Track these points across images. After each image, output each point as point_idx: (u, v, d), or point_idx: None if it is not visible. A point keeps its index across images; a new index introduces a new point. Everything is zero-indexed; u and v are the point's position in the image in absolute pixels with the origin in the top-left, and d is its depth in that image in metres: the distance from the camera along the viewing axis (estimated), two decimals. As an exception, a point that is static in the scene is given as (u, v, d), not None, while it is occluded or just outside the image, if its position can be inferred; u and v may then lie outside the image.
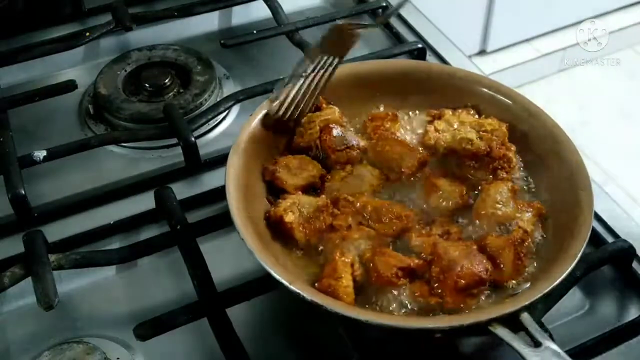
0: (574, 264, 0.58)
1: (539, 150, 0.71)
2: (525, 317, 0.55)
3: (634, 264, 0.71)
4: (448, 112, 0.75)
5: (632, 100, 2.36)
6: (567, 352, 0.63)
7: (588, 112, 2.31)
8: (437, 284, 0.60)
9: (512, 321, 0.55)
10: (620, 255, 0.70)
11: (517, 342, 0.54)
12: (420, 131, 0.76)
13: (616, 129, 2.25)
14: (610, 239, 0.73)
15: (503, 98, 0.75)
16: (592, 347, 0.64)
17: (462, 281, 0.59)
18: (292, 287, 0.57)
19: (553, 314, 0.65)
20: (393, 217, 0.66)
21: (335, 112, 0.75)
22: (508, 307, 0.56)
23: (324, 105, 0.75)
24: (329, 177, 0.71)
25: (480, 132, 0.72)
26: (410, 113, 0.77)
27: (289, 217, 0.65)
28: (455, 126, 0.73)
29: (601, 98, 2.35)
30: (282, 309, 0.68)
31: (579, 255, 0.58)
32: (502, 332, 0.54)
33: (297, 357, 0.66)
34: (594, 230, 0.73)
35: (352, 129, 0.76)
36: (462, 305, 0.59)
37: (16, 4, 0.99)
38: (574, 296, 0.69)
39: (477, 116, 0.75)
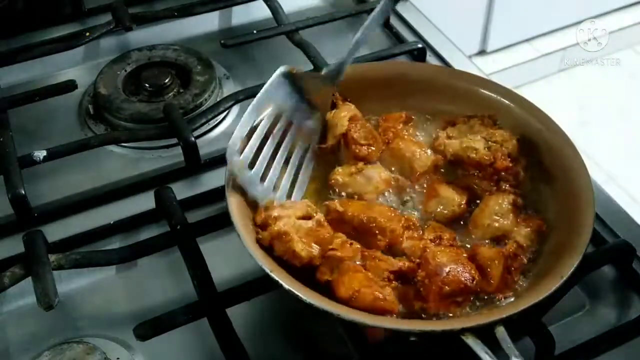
0: (559, 285, 0.57)
1: (550, 166, 0.70)
2: (500, 330, 0.55)
3: (634, 264, 0.71)
4: (462, 120, 0.75)
5: (632, 100, 2.36)
6: (567, 352, 0.63)
7: (588, 112, 2.30)
8: (422, 288, 0.60)
9: (487, 333, 0.55)
10: (620, 255, 0.70)
11: (484, 355, 0.53)
12: (432, 136, 0.75)
13: (616, 129, 2.25)
14: (610, 239, 0.73)
15: (518, 108, 0.74)
16: (592, 347, 0.64)
17: (447, 287, 0.59)
18: (272, 275, 0.57)
19: (553, 314, 0.65)
20: (379, 232, 0.64)
21: (353, 108, 0.75)
22: (482, 319, 0.56)
23: (339, 102, 0.75)
24: (340, 169, 0.70)
25: (489, 142, 0.72)
26: (426, 116, 0.77)
27: (281, 227, 0.61)
28: (467, 134, 0.73)
29: (601, 98, 2.35)
30: (282, 309, 0.68)
31: (565, 277, 0.58)
32: (473, 342, 0.54)
33: (297, 357, 0.66)
34: (594, 230, 0.73)
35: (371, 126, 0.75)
36: (445, 312, 0.59)
37: (16, 4, 0.99)
38: (574, 296, 0.69)
39: (492, 126, 0.74)
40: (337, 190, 0.70)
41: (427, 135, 0.76)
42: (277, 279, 0.57)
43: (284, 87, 0.70)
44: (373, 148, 0.72)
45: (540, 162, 0.71)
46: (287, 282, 0.57)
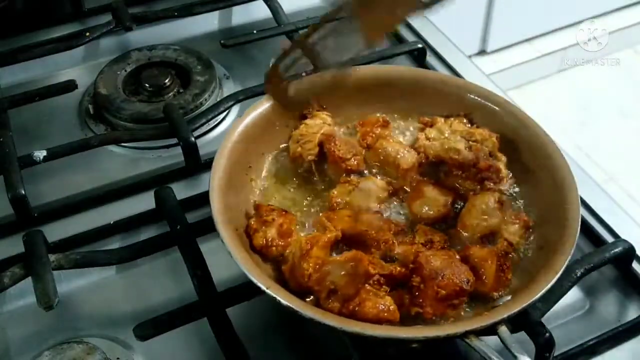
0: (555, 280, 0.57)
1: (530, 162, 0.70)
2: (503, 330, 0.55)
3: (634, 264, 0.71)
4: (440, 120, 0.75)
5: (632, 100, 2.36)
6: (567, 352, 0.63)
7: (588, 112, 2.30)
8: (417, 293, 0.59)
9: (490, 333, 0.55)
10: (620, 255, 0.70)
11: (492, 355, 0.53)
12: (410, 138, 0.75)
13: (616, 129, 2.25)
14: (610, 239, 0.73)
15: (494, 107, 0.74)
16: (592, 347, 0.64)
17: (443, 291, 0.58)
18: (269, 292, 0.57)
19: (553, 314, 0.65)
20: (371, 245, 0.64)
21: (327, 119, 0.74)
22: (485, 320, 0.56)
23: (314, 112, 0.74)
24: (335, 192, 0.69)
25: (470, 142, 0.72)
26: (402, 118, 0.77)
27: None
28: (446, 135, 0.73)
29: (601, 98, 2.35)
30: (282, 309, 0.68)
31: (561, 271, 0.58)
32: (478, 344, 0.54)
33: (297, 357, 0.66)
34: (594, 230, 0.73)
35: (345, 135, 0.75)
36: (442, 316, 0.59)
37: (16, 4, 1.00)
38: (574, 296, 0.69)
39: (469, 125, 0.75)
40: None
41: (404, 137, 0.76)
42: (274, 295, 0.57)
43: None
44: (358, 157, 0.72)
45: (520, 159, 0.71)
46: (285, 298, 0.57)
